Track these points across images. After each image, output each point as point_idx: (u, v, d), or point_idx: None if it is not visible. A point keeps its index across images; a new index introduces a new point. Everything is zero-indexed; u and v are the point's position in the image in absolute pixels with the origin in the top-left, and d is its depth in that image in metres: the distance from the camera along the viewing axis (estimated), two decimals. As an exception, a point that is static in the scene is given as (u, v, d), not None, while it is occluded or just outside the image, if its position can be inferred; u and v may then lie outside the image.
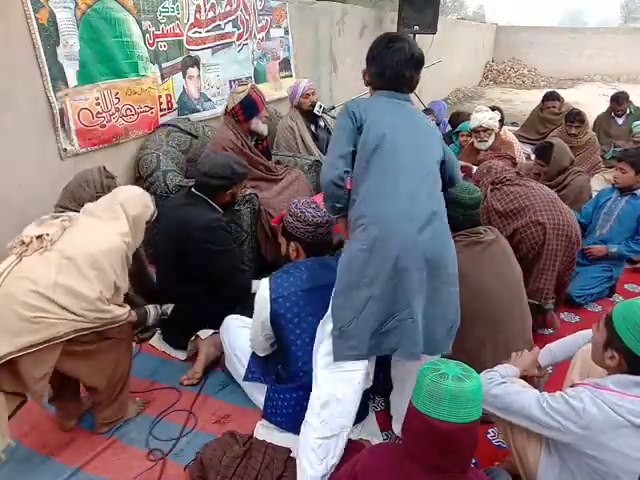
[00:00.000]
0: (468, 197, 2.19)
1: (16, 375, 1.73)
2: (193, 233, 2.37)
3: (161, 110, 3.63)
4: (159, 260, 2.69)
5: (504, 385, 1.60)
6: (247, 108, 3.19)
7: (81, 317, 1.77)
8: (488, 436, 2.10)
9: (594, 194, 3.80)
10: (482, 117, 3.82)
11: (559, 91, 6.02)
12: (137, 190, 2.16)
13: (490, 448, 2.04)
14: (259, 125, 3.28)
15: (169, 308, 2.35)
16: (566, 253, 2.66)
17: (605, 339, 1.48)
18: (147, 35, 3.42)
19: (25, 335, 1.68)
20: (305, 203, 2.05)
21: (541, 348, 1.91)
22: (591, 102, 10.27)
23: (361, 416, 2.02)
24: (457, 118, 5.02)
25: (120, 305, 1.96)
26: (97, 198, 2.44)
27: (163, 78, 3.63)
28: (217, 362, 2.49)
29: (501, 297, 2.16)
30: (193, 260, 2.38)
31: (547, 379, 2.29)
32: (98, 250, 1.85)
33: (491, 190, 2.79)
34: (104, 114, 3.16)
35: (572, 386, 1.53)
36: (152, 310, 2.23)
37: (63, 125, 2.93)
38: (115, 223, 1.97)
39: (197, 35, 3.91)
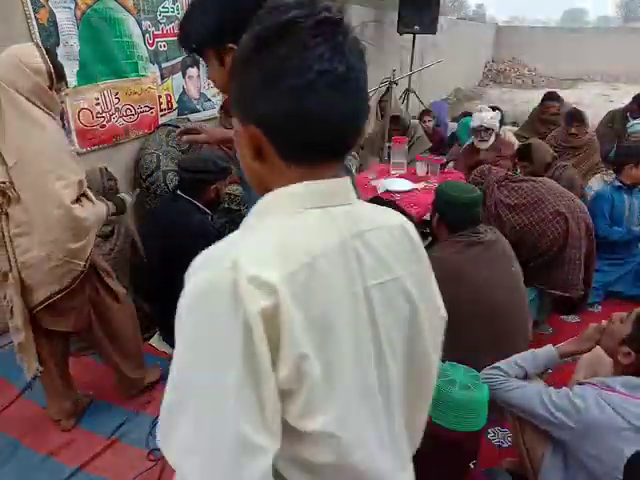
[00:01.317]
0: (469, 197, 2.19)
1: (54, 313, 1.90)
2: (177, 237, 2.36)
3: (161, 110, 3.63)
4: (150, 261, 2.69)
5: (507, 383, 1.60)
6: None
7: (84, 240, 1.83)
8: (488, 436, 2.10)
9: (591, 193, 3.80)
10: (484, 116, 3.82)
11: (559, 91, 6.00)
12: (3, 56, 1.70)
13: (490, 448, 2.05)
14: None
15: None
16: (586, 240, 2.70)
17: (627, 335, 1.48)
18: (147, 35, 3.42)
19: (54, 283, 1.83)
20: None
21: (539, 347, 1.90)
22: (591, 102, 10.27)
23: None
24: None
25: (91, 201, 1.89)
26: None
27: (163, 78, 3.63)
28: (217, 362, 2.49)
29: (501, 297, 2.15)
30: (181, 263, 2.38)
31: (546, 378, 2.29)
32: (48, 166, 1.71)
33: (497, 187, 2.83)
34: (104, 114, 3.16)
35: (580, 384, 1.53)
36: (127, 197, 2.31)
37: (63, 125, 2.92)
38: (29, 118, 1.70)
39: (197, 35, 3.91)
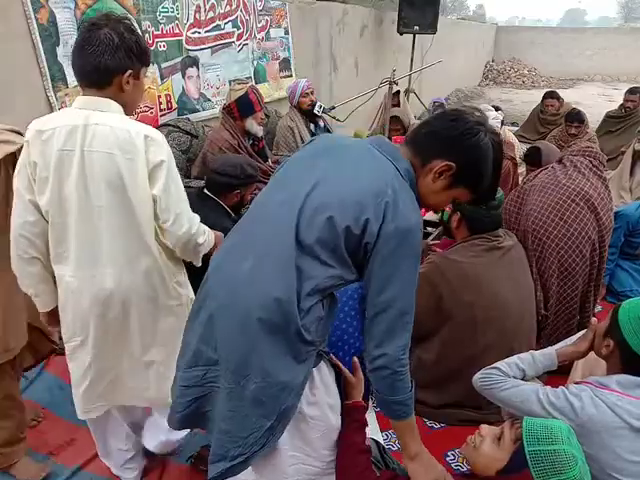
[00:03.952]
0: (495, 198, 2.07)
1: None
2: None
3: (161, 110, 3.63)
4: None
5: (508, 391, 1.60)
6: (243, 105, 3.20)
7: None
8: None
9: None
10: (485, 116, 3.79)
11: (559, 91, 6.02)
12: None
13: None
14: (254, 125, 3.29)
15: None
16: (538, 265, 2.40)
17: (607, 327, 1.51)
18: (146, 35, 3.42)
19: None
20: None
21: None
22: (591, 102, 10.27)
23: None
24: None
25: None
26: None
27: (162, 78, 3.63)
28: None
29: (514, 306, 2.12)
30: None
31: (546, 378, 2.28)
32: None
33: (558, 162, 2.62)
34: (104, 114, 3.16)
35: (577, 383, 1.53)
36: None
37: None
38: None
39: (197, 35, 3.91)
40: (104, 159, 1.39)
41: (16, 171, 1.47)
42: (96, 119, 1.39)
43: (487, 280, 2.07)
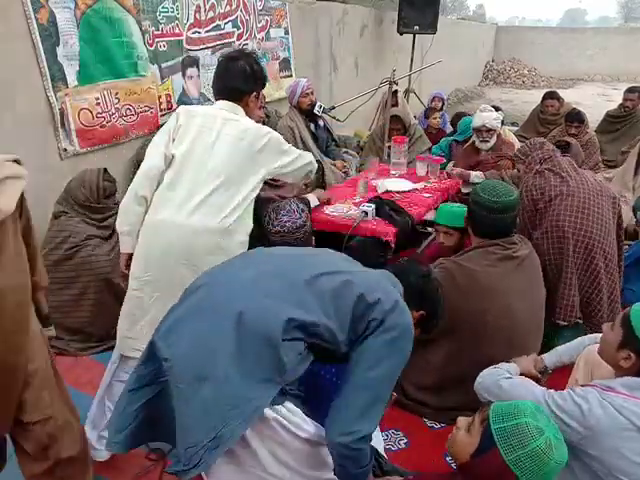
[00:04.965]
0: (499, 202, 2.04)
1: None
2: None
3: (161, 110, 3.63)
4: None
5: (512, 380, 1.60)
6: None
7: None
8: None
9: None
10: (486, 116, 3.76)
11: (559, 91, 6.01)
12: None
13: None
14: None
15: None
16: (584, 266, 2.43)
17: (621, 339, 1.47)
18: (147, 35, 3.42)
19: None
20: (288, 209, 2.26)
21: None
22: (591, 102, 10.27)
23: None
24: (458, 120, 5.02)
25: None
26: (91, 200, 2.44)
27: (162, 78, 3.63)
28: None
29: (525, 317, 2.10)
30: None
31: (547, 378, 2.28)
32: None
33: (536, 172, 2.58)
34: (104, 114, 3.16)
35: (582, 385, 1.52)
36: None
37: (63, 125, 2.93)
38: None
39: (197, 35, 3.91)
40: (234, 139, 1.83)
41: (160, 131, 1.89)
42: (232, 116, 1.88)
43: (500, 291, 2.05)
